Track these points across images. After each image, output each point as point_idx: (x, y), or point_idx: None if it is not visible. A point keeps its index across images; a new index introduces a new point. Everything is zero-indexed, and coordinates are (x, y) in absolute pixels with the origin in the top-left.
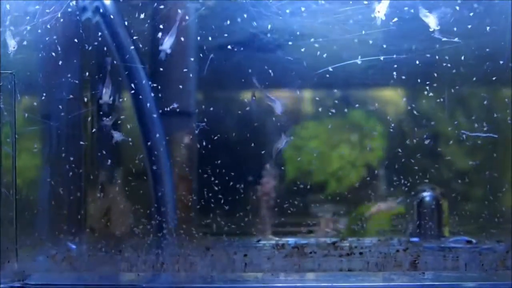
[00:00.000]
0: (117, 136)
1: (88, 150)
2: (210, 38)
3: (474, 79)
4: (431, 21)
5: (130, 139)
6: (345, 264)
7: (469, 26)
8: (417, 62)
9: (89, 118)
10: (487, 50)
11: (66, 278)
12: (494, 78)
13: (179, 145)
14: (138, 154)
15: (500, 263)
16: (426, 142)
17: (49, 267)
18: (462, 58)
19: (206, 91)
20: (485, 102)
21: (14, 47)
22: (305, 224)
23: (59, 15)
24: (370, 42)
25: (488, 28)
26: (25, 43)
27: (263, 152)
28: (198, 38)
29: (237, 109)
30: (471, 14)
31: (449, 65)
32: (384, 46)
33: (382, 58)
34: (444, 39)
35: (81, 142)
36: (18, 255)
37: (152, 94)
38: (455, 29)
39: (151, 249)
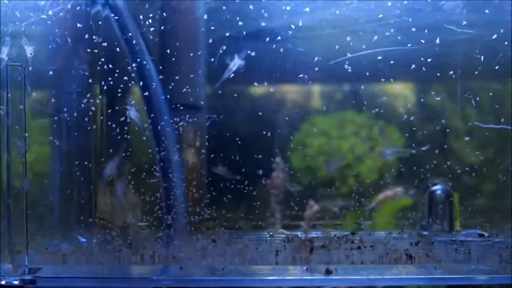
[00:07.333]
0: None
1: (98, 143)
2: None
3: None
4: None
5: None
6: (357, 257)
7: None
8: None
9: (99, 110)
10: None
11: (76, 271)
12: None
13: (189, 138)
14: (148, 147)
15: None
16: (437, 134)
17: (60, 260)
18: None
19: (216, 84)
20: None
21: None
22: (316, 217)
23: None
24: None
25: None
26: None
27: (274, 145)
28: (208, 31)
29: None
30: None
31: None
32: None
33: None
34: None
35: (91, 135)
36: (28, 248)
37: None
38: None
39: (161, 242)
